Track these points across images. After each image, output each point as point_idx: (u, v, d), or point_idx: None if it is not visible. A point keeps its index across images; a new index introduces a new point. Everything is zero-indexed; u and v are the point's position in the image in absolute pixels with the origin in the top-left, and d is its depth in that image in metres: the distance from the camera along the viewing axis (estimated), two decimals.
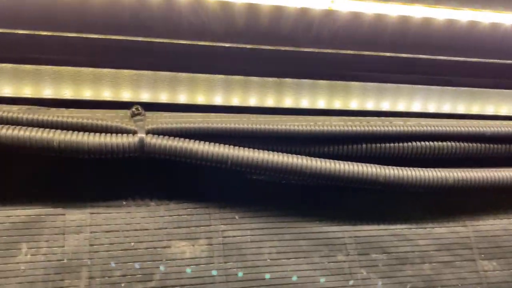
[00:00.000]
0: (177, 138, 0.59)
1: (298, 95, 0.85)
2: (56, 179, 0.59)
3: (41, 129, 0.56)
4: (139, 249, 0.59)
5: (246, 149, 0.60)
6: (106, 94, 0.77)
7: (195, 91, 0.82)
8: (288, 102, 0.85)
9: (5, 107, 0.62)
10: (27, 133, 0.55)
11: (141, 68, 0.79)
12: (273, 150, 0.62)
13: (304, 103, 0.85)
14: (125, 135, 0.58)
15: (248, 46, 0.79)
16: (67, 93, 0.77)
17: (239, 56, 0.80)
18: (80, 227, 0.58)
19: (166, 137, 0.59)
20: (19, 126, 0.56)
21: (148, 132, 0.59)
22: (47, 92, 0.76)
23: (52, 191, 0.59)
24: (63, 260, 0.57)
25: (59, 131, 0.56)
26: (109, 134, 0.57)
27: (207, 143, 0.59)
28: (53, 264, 0.56)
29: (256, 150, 0.60)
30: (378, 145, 0.67)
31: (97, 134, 0.57)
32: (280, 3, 0.72)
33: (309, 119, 0.69)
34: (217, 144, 0.60)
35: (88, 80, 0.77)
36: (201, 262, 0.60)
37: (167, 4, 0.71)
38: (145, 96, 0.80)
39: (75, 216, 0.59)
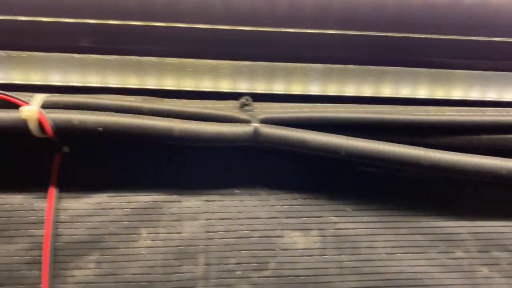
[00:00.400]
0: (290, 128, 0.58)
1: (398, 84, 0.82)
2: (171, 166, 0.61)
3: (162, 118, 0.57)
4: (253, 237, 0.59)
5: (360, 139, 0.58)
6: (209, 85, 0.78)
7: (291, 80, 0.81)
8: (387, 91, 0.82)
9: (123, 97, 0.64)
10: (150, 121, 0.56)
11: (240, 59, 0.79)
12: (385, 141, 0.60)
13: (405, 92, 0.82)
14: (240, 124, 0.58)
15: (348, 33, 0.77)
16: (171, 84, 0.78)
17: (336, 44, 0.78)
18: (196, 214, 0.59)
19: (280, 126, 0.58)
20: (141, 115, 0.57)
21: (261, 121, 0.59)
22: (151, 83, 0.79)
23: (169, 178, 0.60)
24: (180, 246, 0.58)
25: (179, 120, 0.57)
26: (226, 124, 0.58)
27: (320, 133, 0.58)
28: (171, 249, 0.58)
29: (370, 140, 0.58)
30: (497, 136, 0.63)
31: (215, 123, 0.58)
32: None
33: (421, 109, 0.66)
34: (330, 134, 0.58)
35: (191, 71, 0.78)
36: (314, 253, 0.59)
37: None
38: (244, 86, 0.80)
39: (191, 203, 0.60)
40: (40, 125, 0.55)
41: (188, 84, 0.80)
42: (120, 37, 0.75)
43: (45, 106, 0.56)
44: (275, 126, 0.58)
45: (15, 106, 0.57)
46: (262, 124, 0.58)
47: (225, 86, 0.79)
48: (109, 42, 0.76)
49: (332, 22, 0.73)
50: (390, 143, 0.58)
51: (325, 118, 0.60)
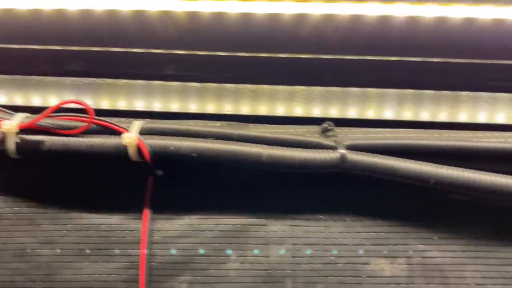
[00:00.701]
0: (377, 155, 0.59)
1: (474, 109, 0.81)
2: (257, 190, 0.62)
3: (251, 144, 0.59)
4: (339, 263, 0.59)
5: (449, 167, 0.58)
6: (284, 110, 0.80)
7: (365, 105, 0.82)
8: (463, 117, 0.81)
9: (209, 123, 0.67)
10: (239, 147, 0.58)
11: (314, 84, 0.81)
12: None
13: (481, 118, 0.81)
14: (326, 150, 0.59)
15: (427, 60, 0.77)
16: (246, 110, 0.81)
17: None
18: (282, 239, 0.61)
19: (366, 153, 0.59)
20: (231, 141, 0.60)
21: (347, 147, 0.60)
22: (228, 108, 0.82)
23: (255, 202, 0.62)
24: (268, 270, 0.59)
25: (267, 146, 0.59)
26: (312, 150, 0.59)
27: (408, 160, 0.58)
28: (260, 273, 0.59)
29: (459, 168, 0.58)
30: None
31: (302, 149, 0.59)
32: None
33: (506, 135, 0.65)
34: (418, 161, 0.58)
35: (266, 97, 0.81)
36: (401, 281, 0.59)
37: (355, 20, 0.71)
38: (317, 112, 0.82)
39: (277, 227, 0.61)
40: (139, 150, 0.58)
41: (263, 110, 0.82)
42: (202, 65, 0.79)
43: (142, 132, 0.60)
44: (362, 153, 0.59)
45: (111, 131, 0.61)
46: (349, 151, 0.59)
47: (300, 111, 0.81)
48: (190, 70, 0.80)
49: (414, 49, 0.74)
50: (479, 171, 0.58)
51: (412, 145, 0.60)
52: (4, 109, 0.63)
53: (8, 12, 0.66)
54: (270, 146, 0.60)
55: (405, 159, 0.58)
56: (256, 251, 0.60)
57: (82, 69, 0.79)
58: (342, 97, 0.80)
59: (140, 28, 0.71)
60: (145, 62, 0.78)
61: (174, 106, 0.82)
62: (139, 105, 0.82)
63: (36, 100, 0.82)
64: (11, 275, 0.59)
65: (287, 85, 0.81)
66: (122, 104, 0.82)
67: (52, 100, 0.82)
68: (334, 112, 0.81)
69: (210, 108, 0.82)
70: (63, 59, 0.77)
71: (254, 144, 0.59)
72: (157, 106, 0.82)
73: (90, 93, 0.81)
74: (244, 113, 0.81)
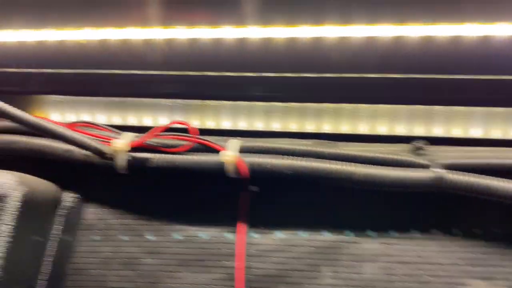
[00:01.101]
0: (474, 174, 0.58)
1: None
2: (350, 207, 0.64)
3: (343, 162, 0.61)
4: (434, 283, 0.59)
5: None
6: (366, 129, 0.81)
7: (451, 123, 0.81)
8: None
9: (297, 141, 0.70)
10: (333, 165, 0.60)
11: (398, 103, 0.81)
12: None
13: None
14: (421, 169, 0.60)
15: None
16: (346, 128, 0.83)
17: None
18: (375, 256, 0.61)
19: (464, 172, 0.59)
20: (324, 159, 0.62)
21: (442, 167, 0.60)
22: (311, 127, 0.84)
23: (347, 219, 0.64)
24: (361, 286, 0.60)
25: (359, 164, 0.61)
26: (407, 169, 0.60)
27: (507, 180, 0.57)
28: None
29: None
30: None
31: (395, 168, 0.60)
32: None
33: None
34: None
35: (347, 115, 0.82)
36: None
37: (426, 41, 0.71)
38: (400, 130, 0.82)
39: (368, 245, 0.62)
40: (237, 167, 0.62)
41: (345, 128, 0.83)
42: (286, 86, 0.82)
43: (241, 150, 0.63)
44: (458, 172, 0.59)
45: (210, 149, 0.65)
46: (446, 170, 0.59)
47: (383, 129, 0.82)
48: (274, 91, 0.83)
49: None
50: None
51: (510, 164, 0.59)
52: (112, 128, 0.69)
53: (124, 42, 0.74)
54: (362, 164, 0.61)
55: (504, 179, 0.58)
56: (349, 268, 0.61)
57: (177, 91, 0.84)
58: (428, 115, 0.80)
59: (239, 55, 0.75)
60: (234, 84, 0.82)
61: (259, 125, 0.85)
62: (226, 124, 0.86)
63: (132, 120, 0.88)
64: (120, 282, 0.65)
65: (370, 103, 0.82)
66: (211, 124, 0.87)
67: (147, 120, 0.88)
68: (419, 130, 0.81)
69: (293, 126, 0.85)
70: (160, 83, 0.83)
71: (346, 163, 0.61)
72: (242, 125, 0.86)
73: (182, 114, 0.87)
74: (326, 131, 0.83)
